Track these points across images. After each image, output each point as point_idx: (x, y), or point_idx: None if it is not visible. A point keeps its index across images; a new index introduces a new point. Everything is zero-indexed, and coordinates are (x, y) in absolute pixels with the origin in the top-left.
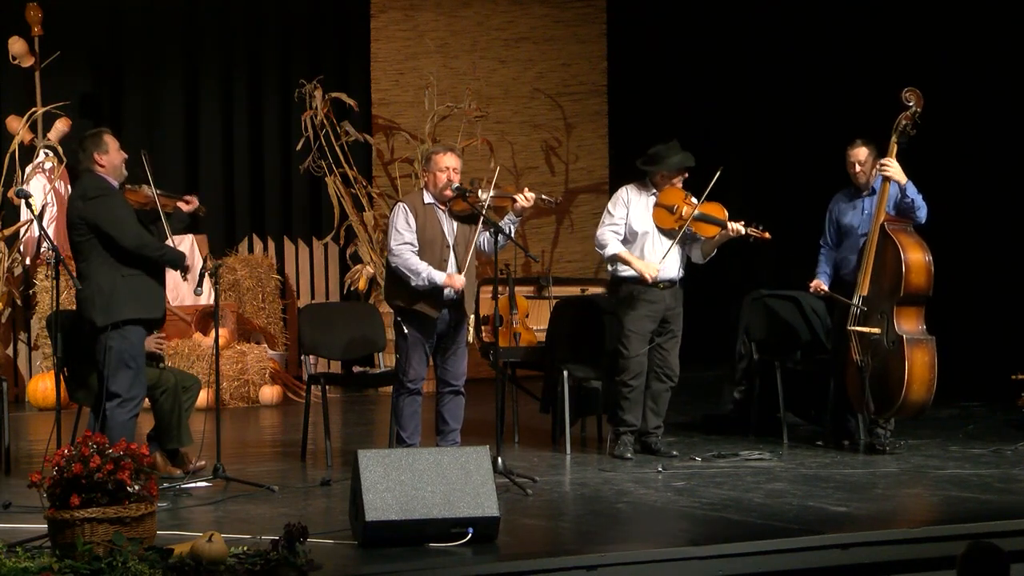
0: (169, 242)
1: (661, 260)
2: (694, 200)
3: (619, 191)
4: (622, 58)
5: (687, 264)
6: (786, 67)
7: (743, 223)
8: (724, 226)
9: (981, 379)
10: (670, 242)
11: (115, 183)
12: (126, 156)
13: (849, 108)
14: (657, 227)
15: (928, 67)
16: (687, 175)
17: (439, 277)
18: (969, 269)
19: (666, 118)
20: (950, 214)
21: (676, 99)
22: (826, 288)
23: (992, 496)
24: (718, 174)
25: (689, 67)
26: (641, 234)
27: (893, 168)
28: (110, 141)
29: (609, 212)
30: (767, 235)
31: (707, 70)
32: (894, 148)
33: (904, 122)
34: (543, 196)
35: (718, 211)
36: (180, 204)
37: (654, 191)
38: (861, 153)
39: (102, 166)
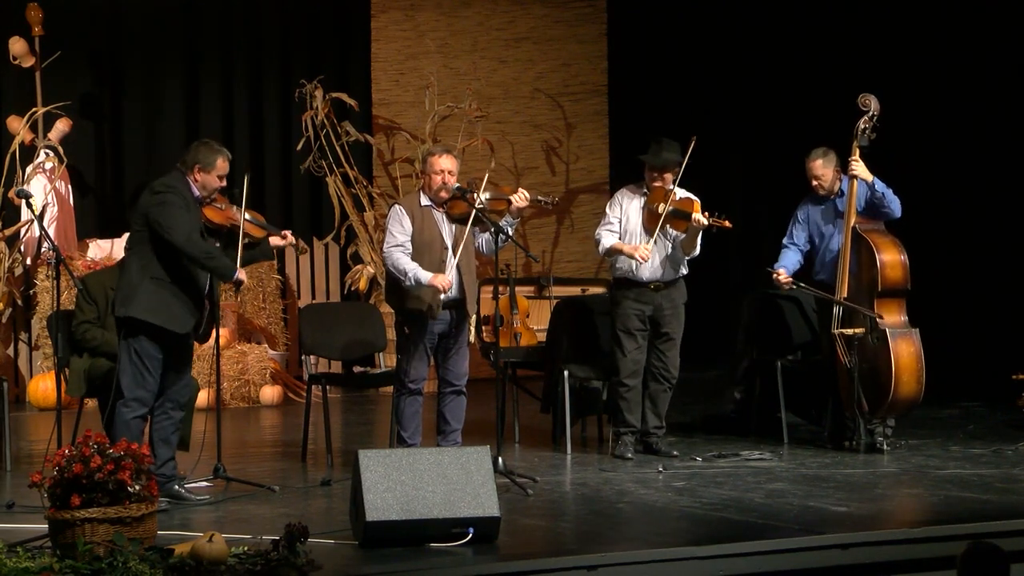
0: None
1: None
2: (677, 195)
3: (616, 193)
4: (622, 58)
5: (690, 264)
6: (786, 66)
7: (706, 215)
8: (690, 219)
9: (981, 379)
10: (661, 242)
11: (197, 193)
12: (224, 185)
13: (849, 106)
14: (645, 228)
15: (931, 62)
16: (671, 172)
17: (424, 277)
18: (969, 269)
19: (666, 118)
20: (950, 214)
21: (676, 99)
22: (790, 277)
23: (992, 496)
24: (692, 145)
25: (689, 67)
26: (629, 235)
27: (859, 168)
28: (221, 167)
29: (605, 213)
30: (728, 223)
31: (707, 70)
32: (856, 154)
33: (863, 127)
34: (539, 197)
35: (688, 206)
36: (274, 238)
37: (646, 191)
38: (817, 167)
39: (196, 179)
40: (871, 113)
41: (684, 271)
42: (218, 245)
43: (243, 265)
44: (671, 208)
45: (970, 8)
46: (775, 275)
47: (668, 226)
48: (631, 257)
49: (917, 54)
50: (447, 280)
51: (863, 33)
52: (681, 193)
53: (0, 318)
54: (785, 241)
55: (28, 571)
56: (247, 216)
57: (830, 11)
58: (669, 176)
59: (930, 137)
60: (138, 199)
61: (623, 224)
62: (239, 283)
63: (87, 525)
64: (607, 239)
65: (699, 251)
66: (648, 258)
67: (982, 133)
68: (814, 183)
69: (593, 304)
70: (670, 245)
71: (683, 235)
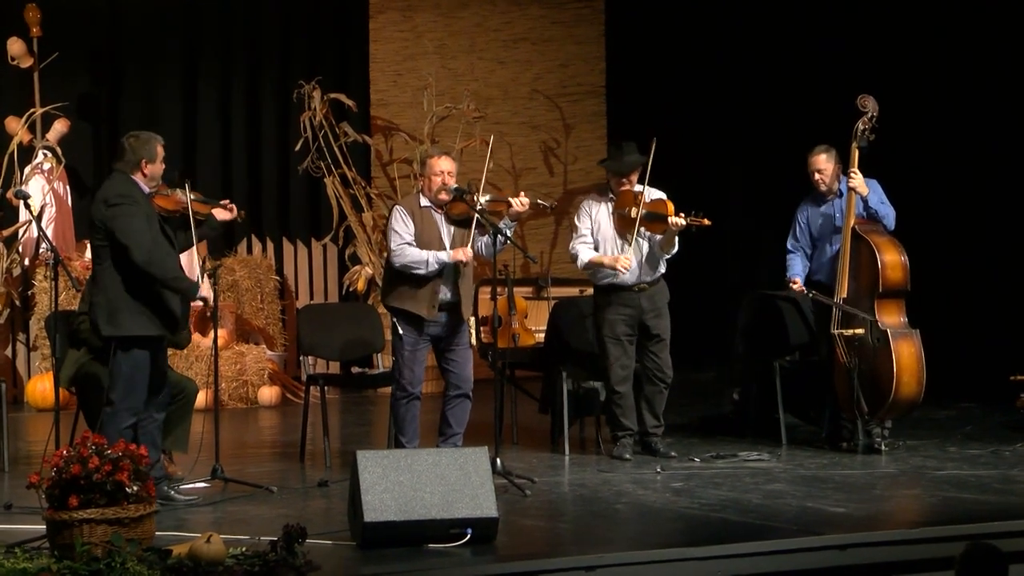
0: (195, 254)
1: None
2: (646, 196)
3: (581, 204)
4: (620, 59)
5: (677, 264)
6: (786, 66)
7: (682, 215)
8: (666, 222)
9: (979, 380)
10: (636, 244)
11: (147, 189)
12: (165, 166)
13: (847, 107)
14: (618, 233)
15: (934, 61)
16: (632, 176)
17: (445, 255)
18: (967, 270)
19: (664, 119)
20: (949, 215)
21: (674, 100)
22: (803, 286)
23: (990, 497)
24: (652, 148)
25: (687, 68)
26: (603, 242)
27: (856, 180)
28: (160, 151)
29: (576, 226)
30: (706, 221)
31: (705, 71)
32: (855, 155)
33: (862, 127)
34: (539, 201)
35: (662, 207)
36: (217, 211)
37: (612, 197)
38: (819, 161)
39: (145, 174)
40: (870, 114)
41: (663, 270)
42: (173, 231)
43: (199, 240)
44: (644, 212)
45: (970, 8)
46: (791, 285)
47: (644, 229)
48: (613, 268)
49: (917, 54)
50: (468, 251)
51: (863, 33)
52: (651, 194)
53: None
54: (790, 246)
55: (26, 572)
56: (191, 196)
57: (830, 11)
58: (634, 177)
59: (929, 138)
60: (91, 209)
61: (595, 232)
62: (205, 299)
63: (85, 526)
64: (584, 253)
65: (677, 248)
66: (629, 267)
67: (982, 133)
68: (816, 177)
69: (591, 305)
70: (646, 245)
71: (661, 236)
